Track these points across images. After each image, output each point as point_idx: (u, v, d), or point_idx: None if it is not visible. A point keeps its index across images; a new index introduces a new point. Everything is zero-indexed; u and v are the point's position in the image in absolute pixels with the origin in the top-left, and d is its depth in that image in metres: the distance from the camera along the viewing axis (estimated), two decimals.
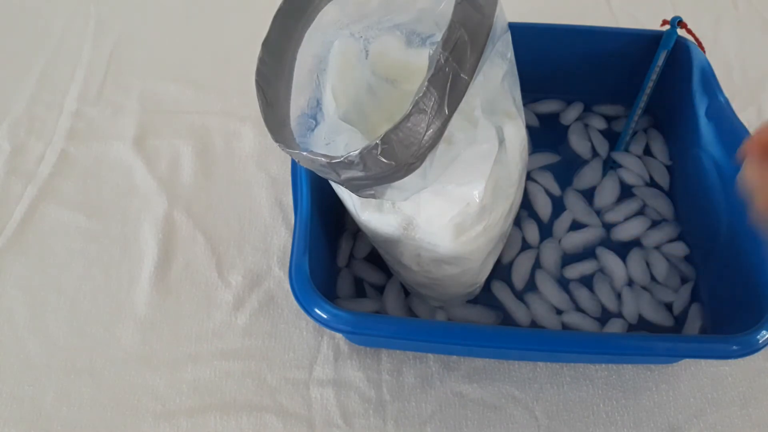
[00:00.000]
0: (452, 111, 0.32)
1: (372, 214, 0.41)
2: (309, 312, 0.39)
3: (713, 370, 0.48)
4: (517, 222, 0.54)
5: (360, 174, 0.33)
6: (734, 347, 0.38)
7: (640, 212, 0.55)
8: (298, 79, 0.40)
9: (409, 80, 0.41)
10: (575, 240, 0.53)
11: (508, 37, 0.37)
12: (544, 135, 0.59)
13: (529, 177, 0.56)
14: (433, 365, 0.48)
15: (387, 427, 0.46)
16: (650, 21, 0.57)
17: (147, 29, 0.71)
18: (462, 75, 0.32)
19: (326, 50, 0.41)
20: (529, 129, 0.50)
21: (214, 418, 0.46)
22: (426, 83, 0.31)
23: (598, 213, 0.55)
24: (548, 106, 0.61)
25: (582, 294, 0.51)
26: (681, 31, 0.53)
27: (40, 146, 0.61)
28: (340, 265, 0.52)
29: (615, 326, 0.49)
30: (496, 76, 0.37)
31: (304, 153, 0.35)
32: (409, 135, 0.32)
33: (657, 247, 0.53)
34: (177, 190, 0.58)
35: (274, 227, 0.55)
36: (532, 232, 0.54)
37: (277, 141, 0.36)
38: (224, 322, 0.51)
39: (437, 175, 0.36)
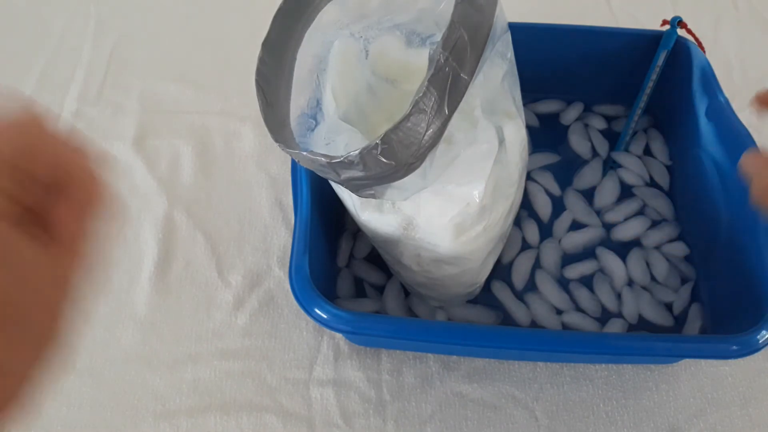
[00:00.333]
0: (452, 111, 0.32)
1: (372, 214, 0.41)
2: (309, 312, 0.39)
3: (713, 370, 0.48)
4: (517, 222, 0.54)
5: (360, 174, 0.33)
6: (734, 347, 0.38)
7: (640, 212, 0.55)
8: (298, 79, 0.40)
9: (409, 80, 0.41)
10: (575, 240, 0.53)
11: (508, 37, 0.37)
12: (544, 135, 0.59)
13: (529, 177, 0.56)
14: (433, 365, 0.48)
15: (387, 427, 0.46)
16: (650, 21, 0.57)
17: (147, 29, 0.71)
18: (462, 75, 0.32)
19: (326, 50, 0.41)
20: (529, 129, 0.50)
21: (214, 418, 0.46)
22: (426, 83, 0.31)
23: (598, 213, 0.55)
24: (548, 106, 0.61)
25: (582, 294, 0.51)
26: (681, 31, 0.53)
27: None
28: (340, 265, 0.52)
29: (615, 326, 0.49)
30: (496, 76, 0.37)
31: (304, 153, 0.35)
32: (409, 135, 0.32)
33: (657, 247, 0.53)
34: (177, 190, 0.58)
35: (274, 227, 0.55)
36: (532, 232, 0.54)
37: (277, 141, 0.36)
38: (224, 322, 0.51)
39: (437, 175, 0.36)
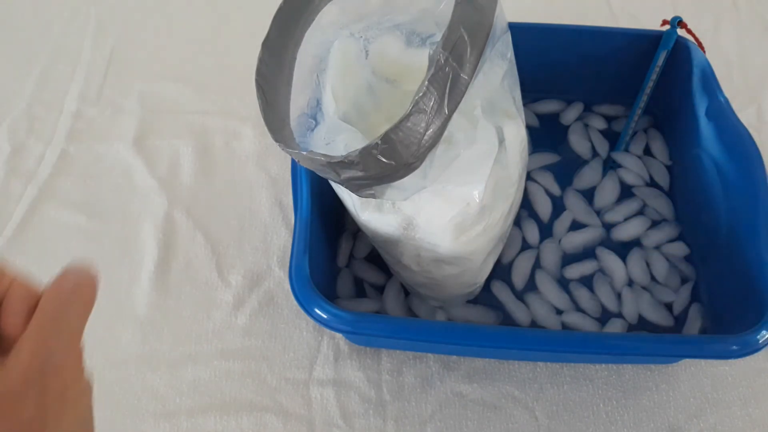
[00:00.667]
0: (452, 111, 0.32)
1: (372, 214, 0.41)
2: (309, 312, 0.39)
3: (713, 370, 0.48)
4: (517, 222, 0.54)
5: (360, 174, 0.33)
6: (734, 347, 0.38)
7: (640, 212, 0.55)
8: (298, 79, 0.39)
9: (409, 80, 0.41)
10: (575, 240, 0.53)
11: (508, 37, 0.37)
12: (544, 135, 0.59)
13: (529, 177, 0.56)
14: (433, 365, 0.48)
15: (387, 427, 0.46)
16: (650, 21, 0.57)
17: (147, 29, 0.71)
18: (462, 75, 0.32)
19: (326, 50, 0.41)
20: (529, 129, 0.50)
21: (214, 418, 0.46)
22: (426, 83, 0.31)
23: (598, 213, 0.55)
24: (548, 106, 0.61)
25: (582, 294, 0.51)
26: (681, 31, 0.53)
27: (40, 146, 0.61)
28: (340, 265, 0.52)
29: (615, 326, 0.49)
30: (496, 76, 0.37)
31: (304, 153, 0.35)
32: (409, 135, 0.32)
33: (657, 247, 0.53)
34: (177, 190, 0.58)
35: (274, 227, 0.55)
36: (532, 232, 0.54)
37: (277, 141, 0.36)
38: (224, 322, 0.51)
39: (437, 175, 0.36)
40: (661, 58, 0.54)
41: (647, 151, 0.59)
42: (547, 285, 0.51)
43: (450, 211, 0.39)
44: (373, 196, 0.36)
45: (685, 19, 0.53)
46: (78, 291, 0.23)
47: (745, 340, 0.38)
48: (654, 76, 0.55)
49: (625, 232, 0.54)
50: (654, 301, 0.50)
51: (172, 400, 0.47)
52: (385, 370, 0.48)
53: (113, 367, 0.49)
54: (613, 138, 0.59)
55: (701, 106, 0.52)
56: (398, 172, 0.33)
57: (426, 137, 0.32)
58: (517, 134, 0.41)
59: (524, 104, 0.45)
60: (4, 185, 0.58)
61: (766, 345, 0.38)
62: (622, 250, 0.53)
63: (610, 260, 0.52)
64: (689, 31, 0.53)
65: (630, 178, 0.57)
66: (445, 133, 0.33)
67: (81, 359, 0.24)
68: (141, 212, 0.57)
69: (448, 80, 0.31)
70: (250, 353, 0.49)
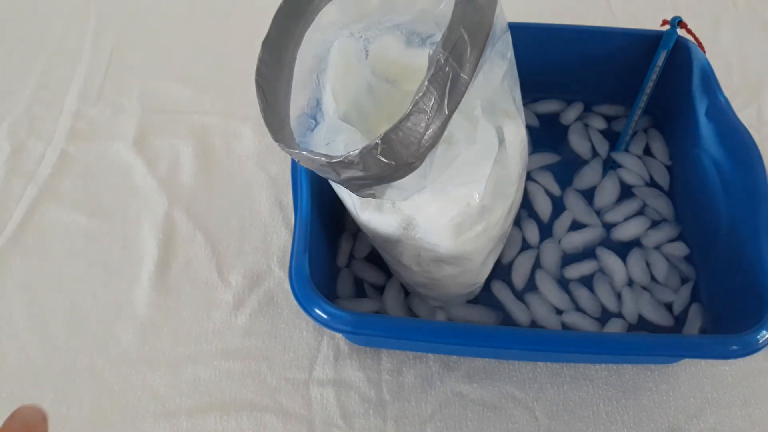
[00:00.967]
0: (452, 111, 0.32)
1: (372, 214, 0.41)
2: (309, 312, 0.39)
3: (713, 370, 0.48)
4: (517, 222, 0.54)
5: (360, 174, 0.33)
6: (734, 347, 0.38)
7: (640, 212, 0.55)
8: (298, 79, 0.39)
9: (409, 80, 0.41)
10: (575, 240, 0.53)
11: (508, 37, 0.37)
12: (544, 135, 0.59)
13: (529, 177, 0.56)
14: (433, 365, 0.48)
15: (387, 427, 0.46)
16: (650, 21, 0.57)
17: (147, 29, 0.71)
18: (462, 75, 0.32)
19: (326, 50, 0.41)
20: (529, 129, 0.50)
21: (214, 418, 0.46)
22: (426, 83, 0.31)
23: (598, 213, 0.55)
24: (548, 106, 0.61)
25: (582, 294, 0.51)
26: (681, 31, 0.53)
27: (40, 146, 0.61)
28: (340, 265, 0.52)
29: (615, 326, 0.49)
30: (496, 76, 0.37)
31: (304, 153, 0.35)
32: (409, 135, 0.32)
33: (657, 247, 0.53)
34: (177, 190, 0.58)
35: (274, 227, 0.55)
36: (532, 232, 0.54)
37: (277, 141, 0.36)
38: (224, 322, 0.51)
39: (437, 175, 0.36)
40: (661, 58, 0.54)
41: (647, 151, 0.59)
42: (547, 285, 0.51)
43: (450, 211, 0.39)
44: (373, 196, 0.36)
45: (685, 19, 0.53)
46: (28, 429, 0.25)
47: (745, 340, 0.38)
48: (654, 76, 0.55)
49: (625, 232, 0.54)
50: (654, 301, 0.50)
51: (172, 400, 0.47)
52: (385, 370, 0.48)
53: (113, 367, 0.49)
54: (613, 138, 0.59)
55: (701, 106, 0.52)
56: (398, 172, 0.33)
57: (426, 137, 0.32)
58: (517, 134, 0.41)
59: (524, 104, 0.45)
60: (4, 185, 0.59)
61: (766, 345, 0.38)
62: (622, 250, 0.53)
63: (610, 260, 0.52)
64: (689, 31, 0.53)
65: (630, 178, 0.57)
66: (445, 133, 0.33)
67: None
68: (141, 212, 0.57)
69: (448, 80, 0.31)
70: (250, 353, 0.49)
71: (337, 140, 0.38)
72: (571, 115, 0.61)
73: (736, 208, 0.47)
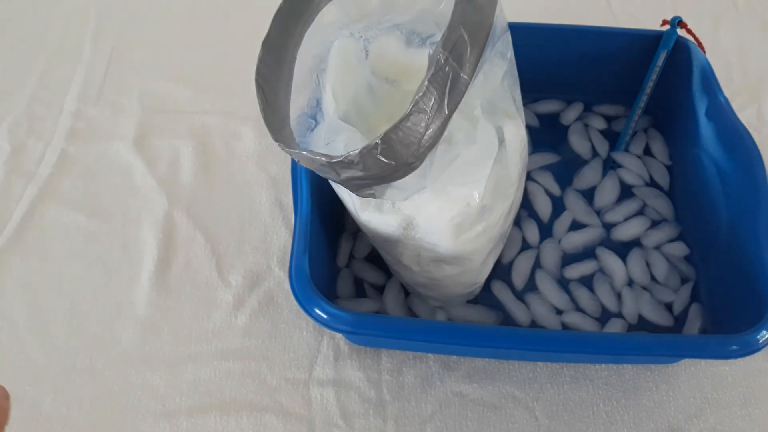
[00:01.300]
0: (452, 111, 0.32)
1: (372, 214, 0.41)
2: (309, 312, 0.39)
3: (713, 370, 0.48)
4: (517, 222, 0.54)
5: (360, 173, 0.33)
6: (734, 347, 0.38)
7: (640, 212, 0.55)
8: (298, 79, 0.39)
9: (409, 80, 0.41)
10: (575, 240, 0.53)
11: (508, 37, 0.37)
12: (544, 135, 0.59)
13: (529, 177, 0.56)
14: (433, 365, 0.48)
15: (387, 427, 0.46)
16: (650, 21, 0.57)
17: (147, 29, 0.71)
18: (462, 75, 0.32)
19: (326, 50, 0.41)
20: (529, 129, 0.50)
21: (214, 418, 0.46)
22: (426, 83, 0.31)
23: (598, 213, 0.55)
24: (548, 106, 0.61)
25: (582, 294, 0.51)
26: (681, 31, 0.53)
27: (40, 146, 0.61)
28: (340, 265, 0.52)
29: (615, 326, 0.49)
30: (496, 76, 0.37)
31: (304, 153, 0.35)
32: (409, 134, 0.32)
33: (657, 247, 0.53)
34: (177, 190, 0.58)
35: (274, 227, 0.55)
36: (532, 232, 0.54)
37: (277, 141, 0.36)
38: (224, 322, 0.51)
39: (437, 175, 0.36)
40: (661, 58, 0.54)
41: (647, 151, 0.59)
42: (547, 285, 0.51)
43: (450, 211, 0.39)
44: (373, 196, 0.36)
45: (685, 19, 0.53)
46: None
47: (745, 340, 0.38)
48: (654, 76, 0.55)
49: (625, 232, 0.54)
50: (654, 301, 0.50)
51: (172, 400, 0.47)
52: (385, 370, 0.48)
53: (113, 367, 0.49)
54: (613, 138, 0.59)
55: (701, 106, 0.52)
56: (398, 172, 0.33)
57: (426, 137, 0.32)
58: (517, 134, 0.41)
59: (524, 104, 0.45)
60: (4, 185, 0.59)
61: (766, 345, 0.38)
62: (622, 250, 0.53)
63: (610, 260, 0.52)
64: (689, 31, 0.53)
65: (630, 178, 0.57)
66: (445, 133, 0.33)
67: None
68: (141, 212, 0.57)
69: (448, 80, 0.31)
70: (250, 353, 0.49)
71: (337, 140, 0.38)
72: (571, 115, 0.61)
73: (736, 208, 0.47)
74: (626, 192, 0.56)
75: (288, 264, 0.43)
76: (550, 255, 0.53)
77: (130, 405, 0.47)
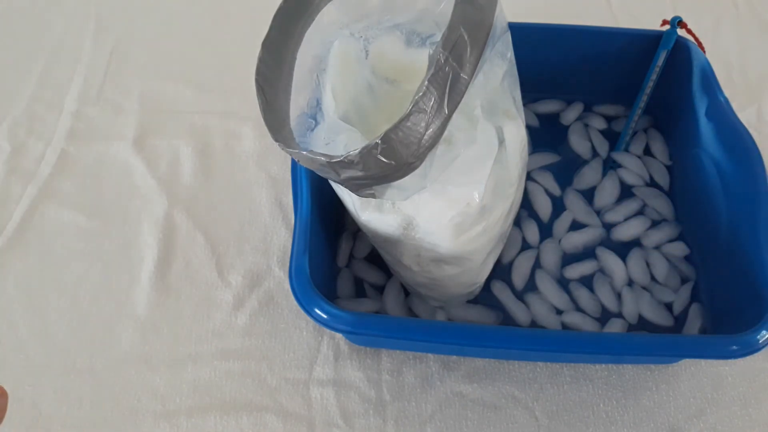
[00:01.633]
0: (452, 111, 0.32)
1: (372, 214, 0.41)
2: (309, 312, 0.39)
3: (713, 370, 0.48)
4: (517, 222, 0.54)
5: (360, 173, 0.33)
6: (734, 347, 0.38)
7: (640, 212, 0.55)
8: (298, 79, 0.39)
9: (409, 80, 0.41)
10: (575, 240, 0.53)
11: (508, 37, 0.37)
12: (544, 135, 0.59)
13: (529, 177, 0.56)
14: (433, 365, 0.48)
15: (387, 427, 0.46)
16: (650, 21, 0.57)
17: (147, 29, 0.71)
18: (462, 75, 0.32)
19: (326, 50, 0.41)
20: (529, 129, 0.50)
21: (214, 418, 0.46)
22: (426, 83, 0.31)
23: (598, 213, 0.55)
24: (548, 106, 0.61)
25: (582, 294, 0.51)
26: (681, 31, 0.53)
27: (40, 146, 0.61)
28: (340, 265, 0.52)
29: (615, 326, 0.49)
30: (496, 76, 0.37)
31: (304, 152, 0.35)
32: (409, 134, 0.32)
33: (657, 247, 0.53)
34: (177, 190, 0.58)
35: (274, 227, 0.55)
36: (532, 232, 0.54)
37: (277, 140, 0.36)
38: (224, 322, 0.51)
39: (437, 175, 0.36)
40: (661, 58, 0.54)
41: (647, 151, 0.59)
42: (547, 285, 0.51)
43: (450, 211, 0.39)
44: (373, 196, 0.36)
45: (685, 19, 0.53)
46: None
47: (745, 340, 0.38)
48: (654, 76, 0.55)
49: (625, 232, 0.54)
50: (654, 301, 0.50)
51: (172, 400, 0.47)
52: (385, 370, 0.48)
53: (113, 367, 0.49)
54: (613, 138, 0.59)
55: (701, 106, 0.52)
56: (398, 172, 0.33)
57: (426, 137, 0.32)
58: (517, 134, 0.41)
59: (524, 104, 0.45)
60: (4, 185, 0.59)
61: (766, 345, 0.38)
62: (622, 250, 0.53)
63: (610, 260, 0.52)
64: (689, 31, 0.53)
65: (630, 178, 0.57)
66: (445, 133, 0.33)
67: None
68: (141, 212, 0.57)
69: (448, 80, 0.31)
70: (250, 353, 0.49)
71: (337, 140, 0.38)
72: (571, 115, 0.61)
73: (736, 208, 0.47)
74: (626, 192, 0.56)
75: (288, 264, 0.43)
76: (550, 255, 0.53)
77: (130, 405, 0.47)
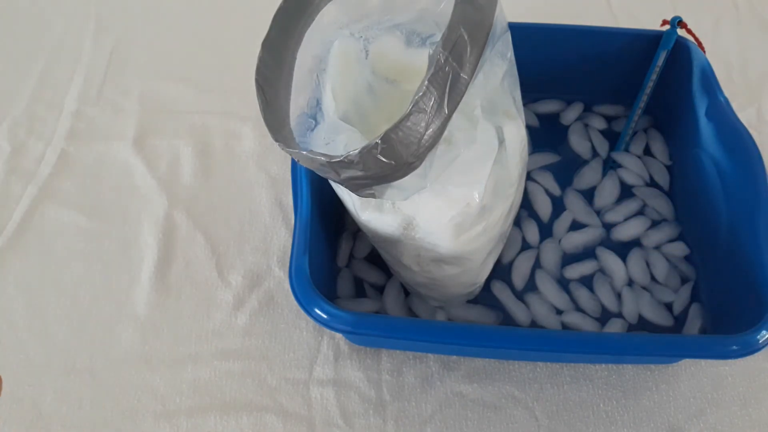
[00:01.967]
0: (452, 110, 0.32)
1: (372, 214, 0.41)
2: (309, 312, 0.39)
3: (713, 370, 0.48)
4: (517, 222, 0.54)
5: (360, 173, 0.33)
6: (734, 347, 0.38)
7: (640, 212, 0.55)
8: (298, 79, 0.40)
9: (409, 80, 0.41)
10: (575, 240, 0.53)
11: (508, 37, 0.37)
12: (544, 135, 0.59)
13: (529, 177, 0.56)
14: (433, 365, 0.48)
15: (387, 427, 0.46)
16: (650, 21, 0.57)
17: (147, 29, 0.71)
18: (462, 75, 0.32)
19: (326, 50, 0.41)
20: (529, 129, 0.50)
21: (214, 418, 0.46)
22: (426, 83, 0.31)
23: (598, 213, 0.55)
24: (548, 106, 0.61)
25: (582, 294, 0.51)
26: (681, 31, 0.53)
27: (40, 146, 0.61)
28: (340, 265, 0.52)
29: (615, 326, 0.49)
30: (496, 76, 0.37)
31: (304, 152, 0.35)
32: (409, 134, 0.32)
33: (657, 247, 0.53)
34: (177, 190, 0.58)
35: (274, 227, 0.55)
36: (532, 232, 0.54)
37: (276, 140, 0.36)
38: (224, 322, 0.51)
39: (437, 175, 0.36)
40: (661, 58, 0.54)
41: (647, 151, 0.59)
42: (547, 285, 0.51)
43: (450, 211, 0.39)
44: (373, 196, 0.36)
45: (685, 19, 0.53)
46: None
47: (745, 340, 0.38)
48: (654, 76, 0.55)
49: (625, 232, 0.54)
50: (654, 301, 0.50)
51: (172, 400, 0.47)
52: (385, 370, 0.48)
53: (113, 367, 0.49)
54: (613, 138, 0.59)
55: (701, 106, 0.52)
56: (398, 172, 0.33)
57: (426, 137, 0.32)
58: (517, 134, 0.41)
59: (524, 104, 0.45)
60: (4, 185, 0.59)
61: (766, 345, 0.38)
62: (622, 250, 0.53)
63: (610, 260, 0.52)
64: (689, 31, 0.53)
65: (630, 178, 0.57)
66: (445, 133, 0.33)
67: None
68: (141, 212, 0.57)
69: (448, 80, 0.31)
70: (250, 353, 0.49)
71: (337, 140, 0.38)
72: (571, 115, 0.61)
73: (736, 208, 0.47)
74: (626, 192, 0.56)
75: (288, 264, 0.43)
76: (550, 255, 0.53)
77: (130, 405, 0.47)
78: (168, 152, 0.61)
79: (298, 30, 0.39)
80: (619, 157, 0.58)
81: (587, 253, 0.53)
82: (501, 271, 0.52)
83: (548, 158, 0.58)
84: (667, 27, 0.54)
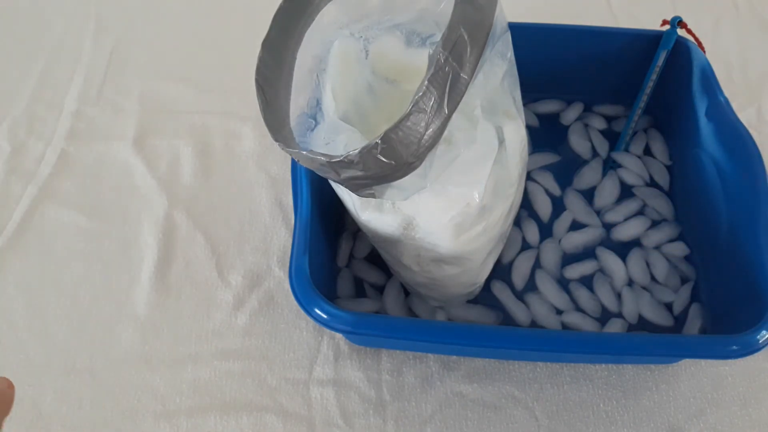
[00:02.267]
0: (452, 110, 0.32)
1: (372, 214, 0.41)
2: (309, 312, 0.39)
3: (713, 370, 0.48)
4: (517, 222, 0.54)
5: (360, 173, 0.33)
6: (734, 347, 0.38)
7: (640, 212, 0.55)
8: (298, 79, 0.39)
9: (409, 80, 0.41)
10: (575, 240, 0.53)
11: (508, 37, 0.37)
12: (544, 135, 0.59)
13: (529, 177, 0.56)
14: (433, 365, 0.48)
15: (387, 427, 0.46)
16: (650, 21, 0.57)
17: (147, 29, 0.71)
18: (462, 74, 0.32)
19: (326, 50, 0.41)
20: (529, 129, 0.50)
21: (214, 418, 0.46)
22: (426, 83, 0.31)
23: (598, 213, 0.55)
24: (548, 106, 0.61)
25: (582, 294, 0.51)
26: (681, 31, 0.53)
27: (40, 146, 0.61)
28: (340, 265, 0.52)
29: (615, 326, 0.49)
30: (496, 76, 0.37)
31: (304, 152, 0.35)
32: (409, 134, 0.32)
33: (657, 247, 0.53)
34: (177, 190, 0.58)
35: (274, 227, 0.55)
36: (532, 232, 0.54)
37: (276, 140, 0.36)
38: (224, 322, 0.51)
39: (437, 175, 0.36)
40: (661, 58, 0.54)
41: (647, 151, 0.59)
42: (547, 285, 0.51)
43: (450, 211, 0.39)
44: (373, 196, 0.36)
45: (685, 19, 0.53)
46: None
47: (745, 340, 0.38)
48: (654, 76, 0.55)
49: (625, 232, 0.54)
50: (654, 301, 0.50)
51: (172, 400, 0.47)
52: (385, 370, 0.48)
53: (113, 367, 0.49)
54: (613, 138, 0.59)
55: (701, 106, 0.52)
56: (398, 172, 0.33)
57: (426, 137, 0.32)
58: (517, 134, 0.41)
59: (524, 104, 0.45)
60: (4, 185, 0.59)
61: (766, 345, 0.38)
62: (622, 250, 0.53)
63: (610, 260, 0.52)
64: (689, 31, 0.53)
65: (630, 178, 0.57)
66: (445, 133, 0.33)
67: None
68: (141, 212, 0.57)
69: (448, 80, 0.31)
70: (250, 353, 0.49)
71: (337, 140, 0.38)
72: (571, 115, 0.61)
73: (736, 208, 0.47)
74: (626, 192, 0.56)
75: (288, 264, 0.43)
76: (550, 255, 0.53)
77: (130, 405, 0.47)
78: (168, 152, 0.61)
79: (298, 30, 0.39)
80: (619, 157, 0.58)
81: (587, 253, 0.53)
82: (501, 271, 0.52)
83: (548, 158, 0.58)
84: (667, 27, 0.54)
